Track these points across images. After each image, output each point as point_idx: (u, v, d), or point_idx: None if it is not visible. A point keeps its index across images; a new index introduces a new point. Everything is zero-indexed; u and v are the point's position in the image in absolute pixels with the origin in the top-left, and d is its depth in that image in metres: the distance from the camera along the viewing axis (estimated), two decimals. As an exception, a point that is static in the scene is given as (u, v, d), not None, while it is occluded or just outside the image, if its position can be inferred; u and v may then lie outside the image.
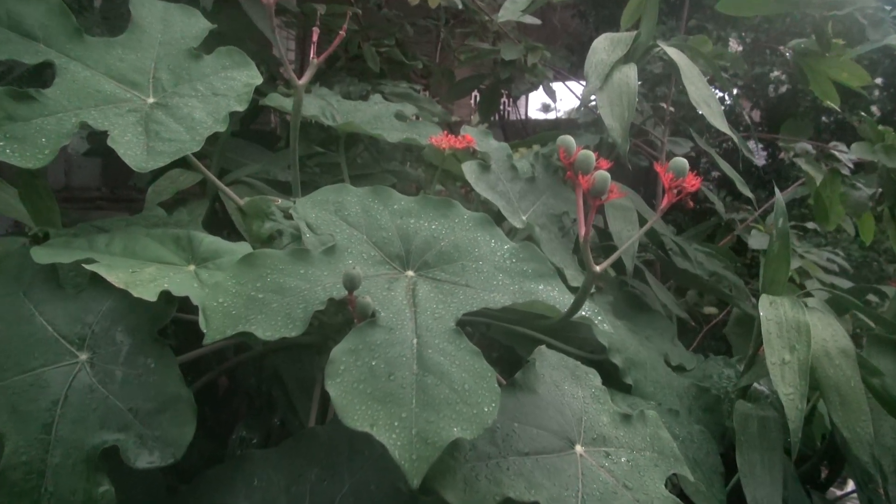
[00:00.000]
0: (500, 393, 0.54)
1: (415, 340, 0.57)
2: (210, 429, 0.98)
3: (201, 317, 0.58)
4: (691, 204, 0.55)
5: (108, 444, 0.58)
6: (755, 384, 0.91)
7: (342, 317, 0.79)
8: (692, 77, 1.04)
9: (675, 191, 0.57)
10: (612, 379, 0.83)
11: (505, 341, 0.91)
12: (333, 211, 0.72)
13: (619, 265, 1.12)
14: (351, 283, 0.58)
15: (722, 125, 0.99)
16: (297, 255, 0.64)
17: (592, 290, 0.83)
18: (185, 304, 0.68)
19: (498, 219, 0.89)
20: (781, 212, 0.84)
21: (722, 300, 1.49)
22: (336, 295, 0.61)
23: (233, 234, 1.02)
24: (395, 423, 0.51)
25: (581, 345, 0.91)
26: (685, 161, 0.57)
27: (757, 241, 1.49)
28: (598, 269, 0.60)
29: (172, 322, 0.71)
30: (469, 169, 0.94)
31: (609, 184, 0.55)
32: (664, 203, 0.58)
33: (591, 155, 0.57)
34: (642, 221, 1.13)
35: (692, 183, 0.56)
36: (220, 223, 1.10)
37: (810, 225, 1.81)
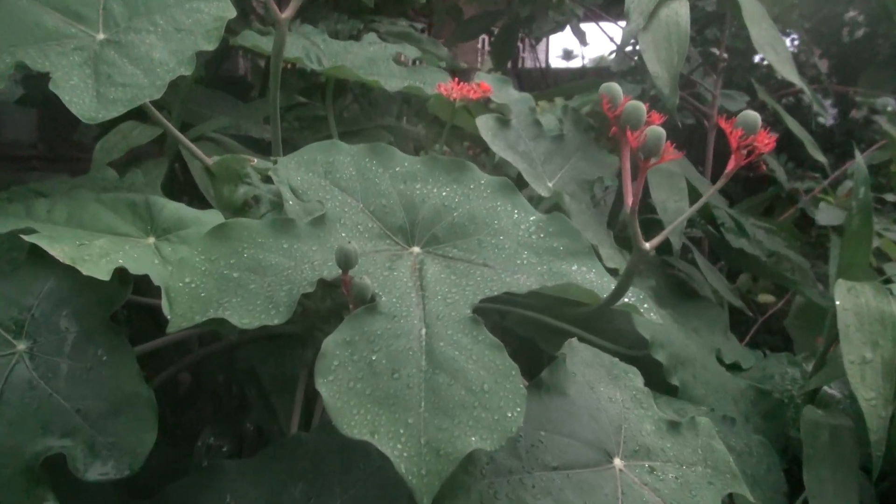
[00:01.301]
0: (525, 395, 0.54)
1: (423, 331, 0.57)
2: (171, 434, 0.98)
3: (164, 300, 0.58)
4: (763, 167, 0.54)
5: (52, 451, 0.57)
6: (826, 387, 0.90)
7: (331, 301, 0.79)
8: (755, 16, 1.02)
9: (743, 151, 0.55)
10: (655, 379, 0.83)
11: (523, 332, 0.91)
12: (322, 173, 0.71)
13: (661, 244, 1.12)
14: (345, 261, 0.57)
15: (791, 74, 0.98)
16: (278, 227, 0.63)
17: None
18: (141, 285, 0.67)
19: (518, 184, 0.88)
20: (864, 179, 0.83)
21: (780, 286, 1.48)
22: (327, 275, 0.60)
23: (196, 200, 1.01)
24: (401, 431, 0.51)
25: (616, 338, 0.91)
26: (756, 115, 0.56)
27: (826, 215, 1.48)
28: (648, 246, 0.59)
29: (126, 306, 0.70)
30: (485, 124, 0.93)
31: (664, 142, 0.54)
32: (730, 166, 0.56)
33: (642, 106, 0.56)
34: (689, 191, 1.12)
35: (765, 142, 0.55)
36: (182, 187, 1.09)
37: (890, 197, 1.80)
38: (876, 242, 1.50)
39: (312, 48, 1.06)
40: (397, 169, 0.73)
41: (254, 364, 0.89)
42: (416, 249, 0.67)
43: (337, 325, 0.57)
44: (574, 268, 0.68)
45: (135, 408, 0.60)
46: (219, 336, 0.81)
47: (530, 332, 0.90)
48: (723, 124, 0.57)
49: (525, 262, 0.67)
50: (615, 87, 0.58)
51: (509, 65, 2.54)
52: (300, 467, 0.66)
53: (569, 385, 0.65)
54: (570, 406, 0.64)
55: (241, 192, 0.77)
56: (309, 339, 0.83)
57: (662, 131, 0.54)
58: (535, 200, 1.00)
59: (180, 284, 0.58)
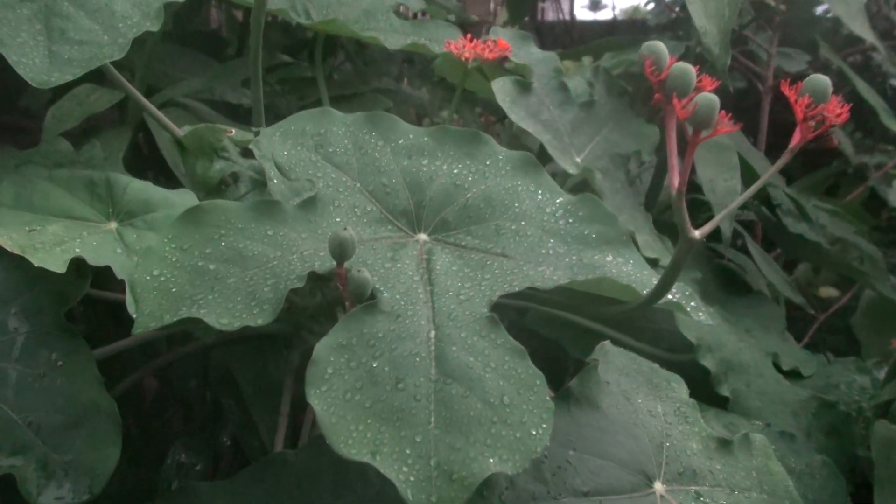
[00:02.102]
0: (552, 409, 0.54)
1: (432, 333, 0.57)
2: (136, 450, 0.98)
3: (129, 296, 0.58)
4: (835, 142, 0.53)
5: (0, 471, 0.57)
6: (900, 398, 0.90)
7: (323, 298, 0.79)
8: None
9: (810, 123, 0.55)
10: (701, 389, 0.83)
11: (547, 334, 0.91)
12: (313, 147, 0.71)
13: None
14: (340, 250, 0.57)
15: (862, 29, 0.97)
16: (262, 210, 0.63)
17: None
18: (101, 278, 0.67)
19: (541, 159, 0.88)
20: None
21: (846, 278, 1.48)
22: (318, 267, 0.60)
23: (164, 177, 1.01)
24: (407, 451, 0.50)
25: (656, 340, 0.91)
26: (826, 80, 0.55)
27: (900, 195, 1.48)
28: (697, 234, 0.58)
29: (84, 302, 0.70)
30: (502, 88, 0.93)
31: (718, 112, 0.53)
32: (795, 141, 0.56)
33: (692, 70, 0.56)
34: (741, 167, 1.12)
35: (837, 112, 0.54)
36: (147, 163, 1.09)
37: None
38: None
39: (299, -2, 1.05)
40: (400, 142, 0.73)
41: (231, 369, 0.89)
42: (423, 237, 0.67)
43: (329, 325, 0.57)
44: (608, 258, 0.68)
45: (94, 420, 0.60)
46: (191, 337, 0.82)
47: (555, 334, 0.90)
48: (786, 90, 0.56)
49: (551, 251, 0.66)
50: (659, 45, 0.57)
51: (527, 17, 2.53)
52: (285, 490, 0.65)
53: (602, 396, 0.65)
54: (603, 421, 0.64)
55: (217, 169, 0.77)
56: (296, 340, 0.83)
57: (715, 99, 0.54)
58: (561, 178, 1.00)
59: (147, 278, 0.58)
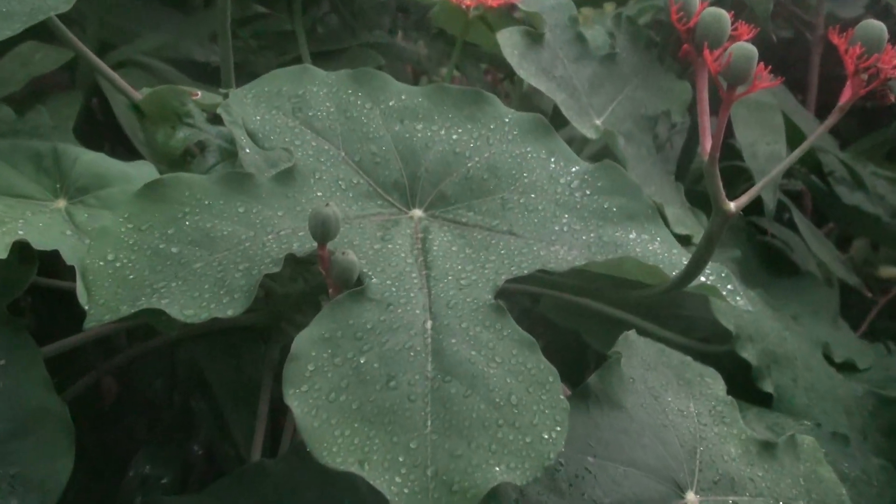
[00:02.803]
0: (567, 409, 0.54)
1: (428, 323, 0.57)
2: (93, 461, 0.99)
3: (80, 285, 0.58)
4: (892, 99, 0.52)
5: (-66, 487, 0.57)
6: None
7: (304, 284, 0.79)
8: None
9: (863, 76, 0.54)
10: (741, 384, 0.83)
11: (563, 323, 0.91)
12: (290, 110, 0.71)
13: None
14: (323, 230, 0.57)
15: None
16: (232, 184, 0.63)
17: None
18: (49, 264, 0.67)
19: (554, 122, 0.88)
20: None
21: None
22: (297, 249, 0.60)
23: (120, 147, 1.01)
24: (400, 459, 0.51)
25: (688, 329, 0.91)
26: (881, 25, 0.55)
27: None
28: (733, 206, 0.58)
29: (30, 292, 0.70)
30: (509, 41, 0.92)
31: (756, 64, 0.53)
32: (844, 97, 0.55)
33: (725, 16, 0.55)
34: (787, 128, 1.11)
35: (893, 64, 0.54)
36: (101, 131, 1.09)
37: None
38: None
39: (274, -61, 1.05)
40: (391, 103, 0.73)
41: (201, 367, 0.90)
42: (418, 213, 0.67)
43: (312, 315, 0.57)
44: (632, 236, 0.68)
45: (43, 428, 0.60)
46: (154, 331, 0.82)
47: (572, 323, 0.90)
48: (835, 39, 0.55)
49: (565, 228, 0.67)
50: (687, -12, 0.57)
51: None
52: (265, 505, 0.66)
53: (625, 394, 0.66)
54: (627, 423, 0.64)
55: (181, 137, 0.77)
56: (274, 333, 0.84)
57: (753, 49, 0.53)
58: (578, 144, 1.00)
59: (101, 263, 0.58)
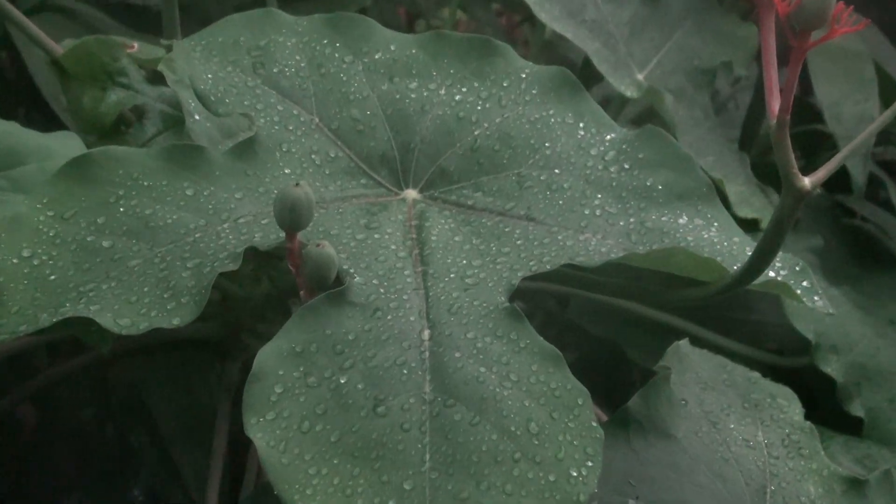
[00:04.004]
0: (601, 439, 0.54)
1: (425, 333, 0.57)
2: (7, 507, 1.00)
3: (-14, 289, 0.58)
4: None
5: None
6: None
7: (269, 285, 0.79)
8: None
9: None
10: (823, 407, 0.83)
11: (597, 331, 0.91)
12: (250, 66, 0.71)
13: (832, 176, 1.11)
14: (292, 216, 0.57)
15: None
16: (178, 160, 0.63)
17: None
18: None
19: (584, 77, 0.88)
20: None
21: None
22: (260, 241, 0.60)
23: (37, 114, 1.01)
24: (390, 503, 0.51)
25: (756, 337, 0.91)
26: None
27: None
28: (808, 182, 0.58)
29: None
30: (527, -27, 0.92)
31: (834, 3, 0.53)
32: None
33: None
34: (880, 82, 1.11)
35: None
36: (13, 94, 1.09)
37: None
38: None
39: None
40: (378, 56, 0.73)
41: (141, 392, 0.90)
42: (413, 194, 0.67)
43: (281, 324, 0.57)
44: (682, 221, 0.68)
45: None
46: (82, 347, 0.82)
47: (609, 332, 0.90)
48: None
49: (598, 212, 0.67)
50: None
51: None
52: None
53: (676, 420, 0.66)
54: (678, 456, 0.64)
55: (113, 101, 0.77)
56: (233, 347, 0.84)
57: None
58: (615, 105, 1.00)
59: (13, 261, 0.58)
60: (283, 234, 0.58)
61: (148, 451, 0.91)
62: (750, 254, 0.66)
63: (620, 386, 0.99)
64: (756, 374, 0.73)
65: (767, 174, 0.97)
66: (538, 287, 0.85)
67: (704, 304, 0.82)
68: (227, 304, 0.81)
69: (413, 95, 0.71)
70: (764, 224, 0.86)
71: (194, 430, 0.87)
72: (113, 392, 0.98)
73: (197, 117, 0.70)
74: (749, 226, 0.83)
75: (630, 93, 0.91)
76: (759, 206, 0.91)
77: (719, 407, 0.69)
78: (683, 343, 0.71)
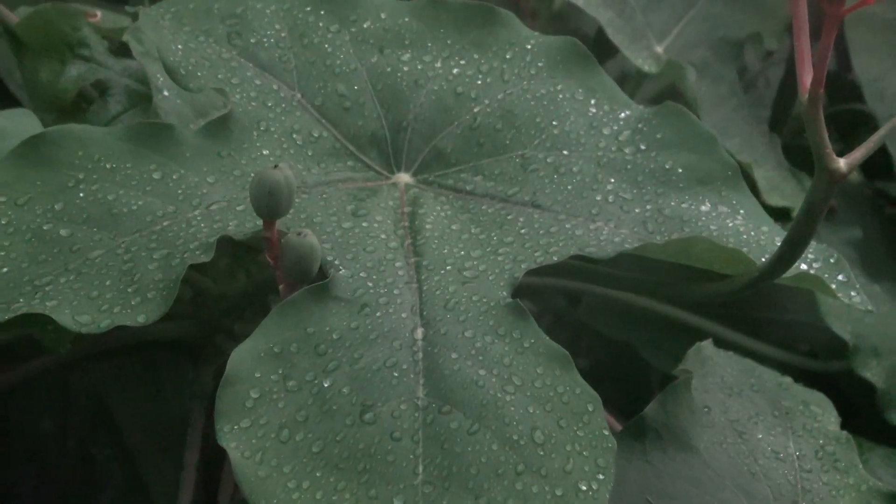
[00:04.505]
0: (614, 450, 0.54)
1: (418, 331, 0.57)
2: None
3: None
4: None
5: None
6: None
7: (246, 280, 0.79)
8: None
9: None
10: (861, 415, 0.83)
11: (610, 332, 0.91)
12: (225, 36, 0.71)
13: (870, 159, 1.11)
14: (271, 202, 0.57)
15: None
16: (144, 141, 0.63)
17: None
18: None
19: (597, 52, 0.88)
20: None
21: None
22: (235, 229, 0.60)
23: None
24: (379, 520, 0.51)
25: (784, 337, 0.91)
26: None
27: None
28: (843, 164, 0.58)
29: None
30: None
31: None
32: None
33: None
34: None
35: None
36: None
37: None
38: None
39: None
40: (366, 25, 0.73)
41: (106, 399, 0.90)
42: (405, 178, 0.67)
43: (258, 322, 0.57)
44: (704, 208, 0.68)
45: None
46: (39, 348, 0.82)
47: (623, 332, 0.90)
48: None
49: (611, 198, 0.67)
50: None
51: None
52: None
53: (698, 430, 0.66)
54: (700, 469, 0.64)
55: (73, 76, 0.77)
56: (206, 349, 0.84)
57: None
58: (632, 82, 1.00)
59: (-40, 253, 0.58)
60: (260, 222, 0.58)
61: (113, 465, 0.90)
62: (780, 244, 0.66)
63: (636, 393, 0.99)
64: (787, 379, 0.73)
65: (800, 158, 0.97)
66: (545, 283, 0.85)
67: (729, 301, 0.82)
68: (199, 301, 0.80)
69: (406, 69, 0.71)
70: (796, 213, 0.86)
71: (164, 441, 0.87)
72: (74, 400, 0.97)
73: (166, 93, 0.70)
74: (779, 215, 0.83)
75: (648, 67, 0.91)
76: (791, 193, 0.91)
77: (746, 415, 0.69)
78: (706, 344, 0.71)
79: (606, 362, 0.97)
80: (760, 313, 0.92)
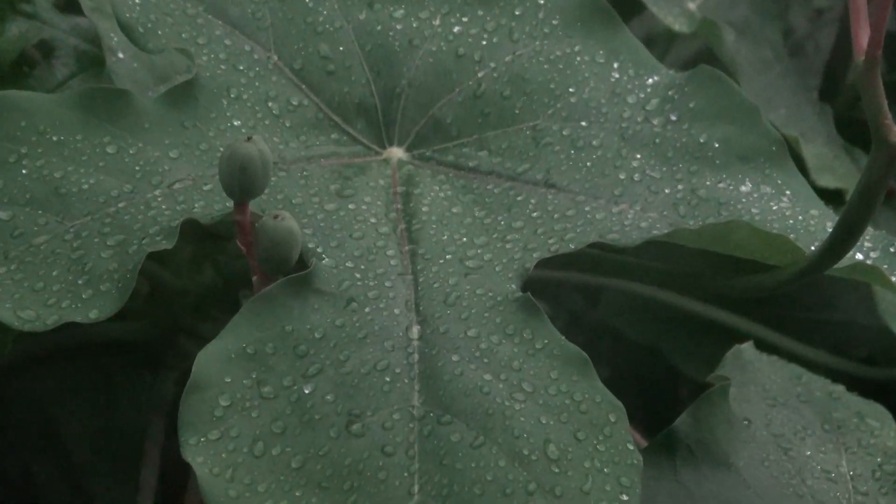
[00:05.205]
0: (640, 467, 0.54)
1: (414, 329, 0.58)
2: None
3: None
4: None
5: None
6: None
7: (213, 272, 0.80)
8: None
9: None
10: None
11: (635, 333, 0.91)
12: (189, -13, 0.71)
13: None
14: (243, 180, 0.57)
15: None
16: (96, 109, 0.64)
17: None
18: None
19: (620, 9, 0.88)
20: None
21: None
22: (202, 212, 0.61)
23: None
24: (367, 548, 0.51)
25: (836, 340, 0.91)
26: None
27: None
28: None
29: None
30: None
31: None
32: None
33: None
34: None
35: None
36: None
37: None
38: None
39: None
40: (354, -23, 0.73)
41: (50, 410, 0.90)
42: (398, 153, 0.68)
43: (227, 321, 0.57)
44: (744, 188, 0.68)
45: None
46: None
47: (650, 334, 0.90)
48: None
49: (637, 176, 0.67)
50: None
51: None
52: None
53: (736, 445, 0.66)
54: (739, 490, 0.65)
55: (14, 35, 0.77)
56: (167, 352, 0.84)
57: None
58: (660, 44, 1.00)
59: None
60: (230, 204, 0.58)
61: (58, 486, 0.91)
62: (831, 231, 0.66)
63: (662, 404, 0.99)
64: (839, 388, 0.73)
65: (856, 133, 0.97)
66: (558, 277, 0.85)
67: (771, 298, 0.82)
68: (157, 297, 0.80)
69: (399, 27, 0.71)
70: (849, 195, 0.86)
71: (117, 458, 0.87)
72: (12, 411, 0.97)
73: (120, 55, 0.70)
74: (831, 198, 0.82)
75: (679, 27, 0.91)
76: (844, 172, 0.91)
77: (792, 429, 0.69)
78: (746, 347, 0.71)
79: (629, 369, 0.97)
80: (807, 312, 0.91)
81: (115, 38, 0.70)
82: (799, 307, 0.91)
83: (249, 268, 0.59)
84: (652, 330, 0.90)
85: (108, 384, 0.89)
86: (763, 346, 0.72)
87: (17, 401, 0.96)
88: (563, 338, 0.57)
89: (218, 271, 0.79)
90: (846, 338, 0.89)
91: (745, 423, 0.67)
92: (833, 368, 0.83)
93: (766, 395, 0.70)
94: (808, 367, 0.74)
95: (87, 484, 0.88)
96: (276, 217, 0.57)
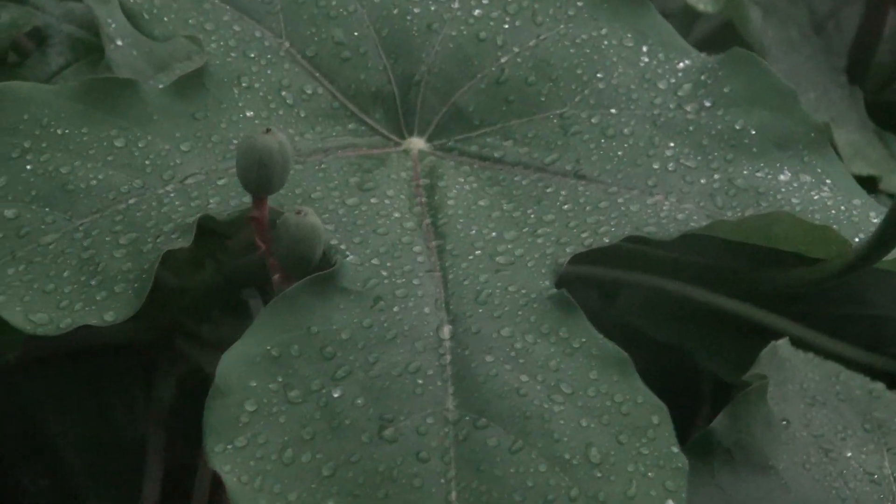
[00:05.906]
0: (685, 470, 0.55)
1: (445, 329, 0.58)
2: None
3: None
4: None
5: None
6: None
7: (214, 270, 0.80)
8: None
9: None
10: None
11: (663, 334, 0.91)
12: (196, -29, 0.71)
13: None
14: (261, 174, 0.57)
15: None
16: (100, 101, 0.64)
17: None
18: None
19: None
20: None
21: None
22: (217, 208, 0.61)
23: None
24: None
25: (878, 337, 0.91)
26: None
27: None
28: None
29: None
30: None
31: None
32: None
33: None
34: None
35: None
36: None
37: None
38: None
39: None
40: (367, -44, 0.73)
41: (40, 417, 0.90)
42: (419, 143, 0.68)
43: (229, 325, 0.57)
44: (783, 177, 0.68)
45: None
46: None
47: (674, 333, 0.90)
48: None
49: (671, 165, 0.67)
50: None
51: None
52: None
53: (774, 447, 0.66)
54: (778, 494, 0.65)
55: (5, 22, 0.77)
56: (164, 356, 0.84)
57: None
58: (679, 22, 0.99)
59: None
60: (247, 199, 0.58)
61: (49, 497, 0.90)
62: (877, 221, 0.66)
63: (685, 406, 0.98)
64: (879, 385, 0.73)
65: (886, 117, 0.97)
66: (573, 272, 0.85)
67: (809, 293, 0.82)
68: (154, 297, 0.80)
69: (417, 10, 0.72)
70: (885, 182, 0.86)
71: (113, 468, 0.86)
72: (10, 414, 0.97)
73: (119, 43, 0.69)
74: (864, 185, 0.82)
75: (703, 6, 0.91)
76: (877, 158, 0.90)
77: (832, 429, 0.69)
78: (783, 344, 0.71)
79: (651, 370, 0.98)
80: (839, 308, 0.91)
81: (113, 25, 0.69)
82: (829, 302, 0.91)
83: (268, 266, 0.59)
84: (674, 327, 0.90)
85: (102, 389, 0.88)
86: (799, 344, 0.72)
87: (5, 407, 0.96)
88: (602, 336, 0.58)
89: (219, 270, 0.79)
90: (882, 333, 0.88)
91: (784, 423, 0.67)
92: (870, 365, 0.82)
93: (805, 394, 0.70)
94: (848, 365, 0.73)
95: (80, 496, 0.87)
96: (298, 213, 0.57)
